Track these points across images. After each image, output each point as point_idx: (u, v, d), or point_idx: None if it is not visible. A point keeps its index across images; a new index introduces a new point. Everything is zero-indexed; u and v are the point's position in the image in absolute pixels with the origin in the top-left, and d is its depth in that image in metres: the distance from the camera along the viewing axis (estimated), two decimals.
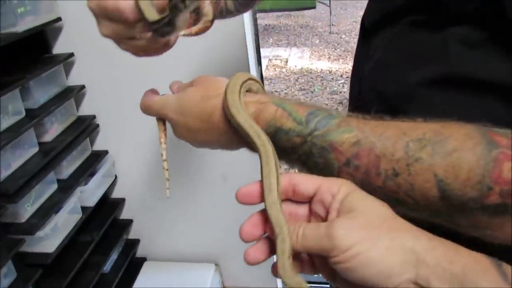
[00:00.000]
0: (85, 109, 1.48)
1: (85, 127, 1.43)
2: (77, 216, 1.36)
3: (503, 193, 0.35)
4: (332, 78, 4.37)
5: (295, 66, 4.73)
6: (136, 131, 1.46)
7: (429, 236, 0.33)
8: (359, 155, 0.41)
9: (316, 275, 0.40)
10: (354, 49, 0.70)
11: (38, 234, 1.17)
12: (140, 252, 1.73)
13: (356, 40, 0.70)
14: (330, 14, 5.70)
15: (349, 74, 0.67)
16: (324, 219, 0.38)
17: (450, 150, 0.37)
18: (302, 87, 4.23)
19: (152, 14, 0.47)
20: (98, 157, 1.49)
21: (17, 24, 1.15)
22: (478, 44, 0.45)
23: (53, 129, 1.33)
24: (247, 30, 1.27)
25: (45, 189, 1.27)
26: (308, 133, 0.43)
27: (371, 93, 0.58)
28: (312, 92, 4.12)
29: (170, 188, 0.60)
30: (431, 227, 0.35)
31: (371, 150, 0.40)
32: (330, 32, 5.67)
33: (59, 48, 1.38)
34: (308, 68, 4.66)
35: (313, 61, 4.83)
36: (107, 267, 1.54)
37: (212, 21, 0.57)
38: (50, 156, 1.25)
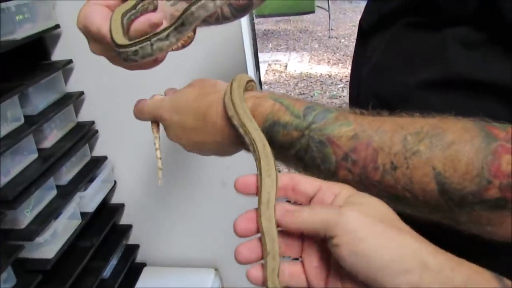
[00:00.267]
0: (84, 115, 1.49)
1: (84, 133, 1.43)
2: (77, 221, 1.37)
3: (503, 187, 0.34)
4: (332, 83, 4.38)
5: (295, 70, 4.73)
6: (135, 136, 1.47)
7: (431, 243, 0.33)
8: (357, 149, 0.40)
9: None
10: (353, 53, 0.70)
11: (37, 240, 1.17)
12: (139, 257, 1.73)
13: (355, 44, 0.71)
14: (329, 19, 5.71)
15: (349, 79, 0.67)
16: None
17: (448, 143, 0.36)
18: (302, 92, 4.23)
19: (118, 38, 0.47)
20: (97, 162, 1.49)
21: (16, 32, 1.15)
22: (476, 45, 0.45)
23: (52, 135, 1.34)
24: (245, 35, 1.28)
25: (45, 195, 1.27)
26: (306, 127, 0.43)
27: (370, 95, 0.58)
28: (311, 97, 4.12)
29: (162, 177, 0.60)
30: (429, 231, 0.35)
31: (369, 144, 0.40)
32: (329, 37, 5.68)
33: (57, 55, 1.39)
34: (307, 72, 4.66)
35: (313, 66, 4.83)
36: (107, 272, 1.53)
37: (194, 33, 0.57)
38: (49, 162, 1.25)
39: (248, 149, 0.45)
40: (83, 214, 1.39)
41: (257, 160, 0.40)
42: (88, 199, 1.41)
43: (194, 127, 0.51)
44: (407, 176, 0.38)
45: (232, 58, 1.32)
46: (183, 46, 0.57)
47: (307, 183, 0.38)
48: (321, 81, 4.42)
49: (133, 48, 0.46)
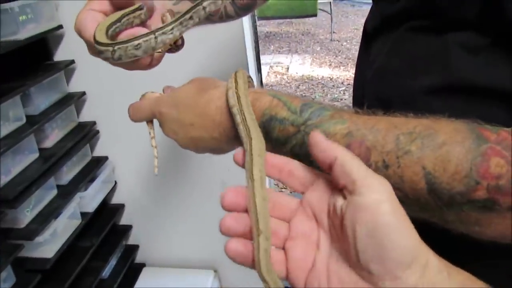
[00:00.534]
0: (86, 116, 1.49)
1: (85, 133, 1.44)
2: (77, 221, 1.37)
3: (490, 189, 0.35)
4: (333, 85, 4.38)
5: (296, 73, 4.74)
6: (136, 137, 1.47)
7: None
8: (351, 147, 0.41)
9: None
10: (355, 57, 0.70)
11: (37, 240, 1.17)
12: (139, 257, 1.74)
13: (357, 47, 0.71)
14: (331, 22, 5.72)
15: (350, 82, 0.68)
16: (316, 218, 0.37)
17: (439, 143, 0.37)
18: (303, 94, 4.24)
19: (100, 36, 0.47)
20: (98, 163, 1.49)
21: (19, 32, 1.16)
22: (478, 50, 0.45)
23: (54, 135, 1.34)
24: (247, 37, 1.28)
25: (45, 195, 1.28)
26: (302, 123, 0.44)
27: (374, 98, 0.59)
28: (313, 99, 4.12)
29: (158, 166, 0.58)
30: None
31: (362, 142, 0.40)
32: (331, 40, 5.69)
33: (60, 55, 1.39)
34: (309, 75, 4.67)
35: (314, 68, 4.84)
36: (106, 272, 1.54)
37: (182, 43, 0.58)
38: (50, 162, 1.26)
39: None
40: (83, 214, 1.39)
41: (248, 140, 0.41)
42: (88, 199, 1.42)
43: (192, 122, 0.51)
44: (398, 175, 0.38)
45: (234, 60, 1.32)
46: (170, 51, 0.58)
47: (306, 170, 0.38)
48: (323, 84, 4.43)
49: (135, 42, 0.46)
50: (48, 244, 1.23)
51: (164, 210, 1.62)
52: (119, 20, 0.49)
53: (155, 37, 0.47)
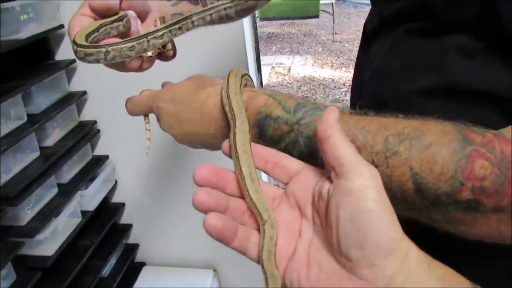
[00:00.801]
0: (86, 115, 1.50)
1: (86, 132, 1.44)
2: (77, 220, 1.38)
3: (475, 190, 0.36)
4: (335, 86, 4.38)
5: (298, 73, 4.75)
6: (136, 136, 1.47)
7: None
8: None
9: None
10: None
11: (37, 237, 1.18)
12: (139, 256, 1.74)
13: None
14: (333, 23, 5.72)
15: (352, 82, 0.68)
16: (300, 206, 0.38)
17: (426, 145, 0.38)
18: (305, 95, 4.24)
19: (79, 36, 0.49)
20: (98, 162, 1.50)
21: (20, 31, 1.17)
22: (474, 53, 0.45)
23: (55, 134, 1.35)
24: (247, 38, 1.28)
25: (46, 193, 1.29)
26: (295, 122, 0.45)
27: (370, 99, 0.59)
28: (314, 100, 4.12)
29: (150, 146, 0.61)
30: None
31: (353, 142, 0.41)
32: (333, 41, 5.69)
33: (61, 54, 1.40)
34: (310, 76, 4.67)
35: (316, 69, 4.84)
36: (106, 271, 1.54)
37: (174, 54, 0.60)
38: (51, 161, 1.26)
39: None
40: (83, 213, 1.40)
41: (233, 134, 0.41)
42: (89, 197, 1.42)
43: (190, 118, 0.52)
44: (387, 175, 0.39)
45: (234, 61, 1.32)
46: (163, 59, 0.59)
47: (292, 161, 0.39)
48: (324, 85, 4.43)
49: (130, 44, 0.49)
50: (49, 242, 1.24)
51: (164, 210, 1.62)
52: (97, 29, 0.50)
53: (148, 40, 0.50)
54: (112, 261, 1.58)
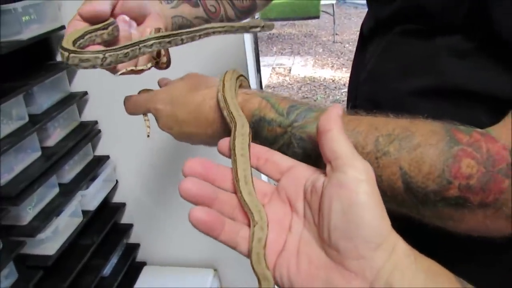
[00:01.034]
0: (87, 115, 1.51)
1: (87, 133, 1.45)
2: (78, 219, 1.39)
3: (462, 188, 0.37)
4: (335, 87, 4.39)
5: (298, 74, 4.75)
6: (137, 137, 1.48)
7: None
8: None
9: None
10: None
11: (39, 237, 1.19)
12: (140, 256, 1.75)
13: None
14: (334, 24, 5.73)
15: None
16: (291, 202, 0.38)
17: (415, 145, 0.39)
18: (305, 96, 4.25)
19: (66, 42, 0.50)
20: (99, 162, 1.51)
21: (22, 32, 1.18)
22: (466, 54, 0.46)
23: (56, 134, 1.36)
24: (247, 39, 1.29)
25: (47, 193, 1.30)
26: (288, 124, 0.46)
27: (366, 100, 0.60)
28: (314, 101, 4.13)
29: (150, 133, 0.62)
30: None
31: None
32: (333, 41, 5.70)
33: None
34: (311, 76, 4.68)
35: (316, 70, 4.85)
36: (107, 270, 1.55)
37: (168, 64, 0.62)
38: (52, 161, 1.27)
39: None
40: (84, 212, 1.41)
41: (233, 138, 0.42)
42: (90, 197, 1.43)
43: (186, 119, 0.53)
44: (377, 174, 0.40)
45: (234, 62, 1.33)
46: (159, 68, 0.61)
47: (283, 157, 0.40)
48: (325, 86, 4.44)
49: (125, 51, 0.50)
50: (50, 242, 1.25)
51: (165, 209, 1.63)
52: (82, 36, 0.51)
53: (139, 48, 0.52)
54: (113, 260, 1.59)
